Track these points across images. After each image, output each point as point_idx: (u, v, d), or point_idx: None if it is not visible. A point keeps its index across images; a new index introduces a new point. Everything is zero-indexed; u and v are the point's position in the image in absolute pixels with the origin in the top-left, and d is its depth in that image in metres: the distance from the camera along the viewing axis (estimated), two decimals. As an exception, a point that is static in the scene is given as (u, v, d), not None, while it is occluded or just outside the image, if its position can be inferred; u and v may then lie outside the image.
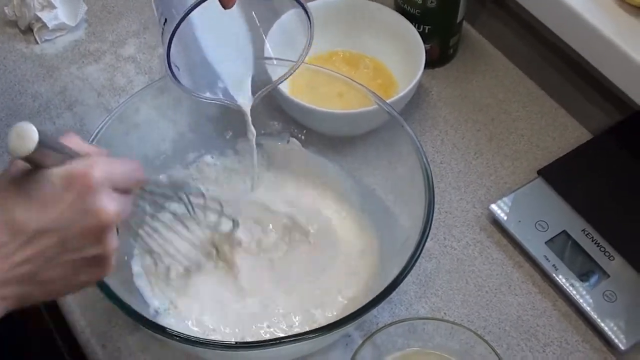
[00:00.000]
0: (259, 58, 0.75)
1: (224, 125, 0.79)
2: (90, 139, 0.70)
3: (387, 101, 0.75)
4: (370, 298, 0.62)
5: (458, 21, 0.90)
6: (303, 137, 0.79)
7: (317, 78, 0.79)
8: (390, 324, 0.63)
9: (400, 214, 0.73)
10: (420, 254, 0.64)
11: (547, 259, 0.75)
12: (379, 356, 0.63)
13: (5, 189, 0.50)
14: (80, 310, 0.72)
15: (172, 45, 0.59)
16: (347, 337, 0.71)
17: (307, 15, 0.61)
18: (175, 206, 0.70)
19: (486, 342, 0.62)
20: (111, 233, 0.52)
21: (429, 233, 0.66)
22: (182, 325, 0.68)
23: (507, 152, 0.86)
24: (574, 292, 0.73)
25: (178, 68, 0.63)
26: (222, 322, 0.69)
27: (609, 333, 0.71)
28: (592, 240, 0.76)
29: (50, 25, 0.92)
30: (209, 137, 0.79)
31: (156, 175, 0.75)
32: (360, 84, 0.76)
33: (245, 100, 0.70)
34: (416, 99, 0.88)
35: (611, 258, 0.75)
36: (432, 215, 0.67)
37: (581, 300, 0.73)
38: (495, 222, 0.79)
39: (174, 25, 0.58)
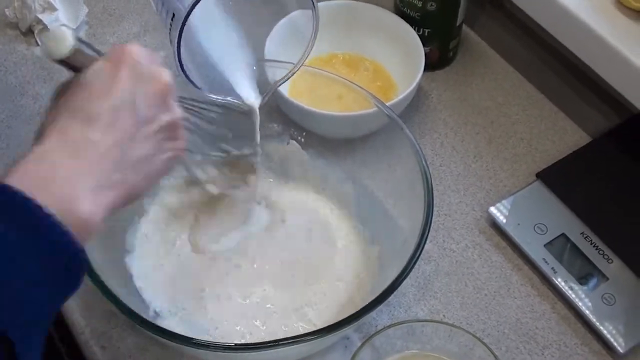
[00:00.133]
0: (261, 60, 0.75)
1: (224, 127, 0.79)
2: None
3: (387, 104, 0.76)
4: (369, 300, 0.62)
5: (458, 24, 0.90)
6: (302, 139, 0.80)
7: (316, 80, 0.80)
8: (389, 326, 0.63)
9: (400, 217, 0.73)
10: (419, 256, 0.64)
11: (546, 262, 0.75)
12: (377, 358, 0.63)
13: (65, 101, 0.51)
14: (79, 311, 0.72)
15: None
16: (346, 340, 0.71)
17: (314, 6, 0.61)
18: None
19: (485, 344, 0.62)
20: (173, 97, 0.54)
21: (428, 235, 0.66)
22: (182, 326, 0.68)
23: (507, 155, 0.86)
24: (573, 295, 0.73)
25: (189, 68, 0.64)
26: (222, 318, 0.69)
27: (608, 336, 0.71)
28: (591, 243, 0.76)
29: (51, 27, 0.93)
30: (208, 138, 0.79)
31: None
32: (359, 87, 0.76)
33: (254, 99, 0.70)
34: (416, 102, 0.88)
35: (610, 261, 0.75)
36: (431, 218, 0.67)
37: (580, 303, 0.73)
38: (494, 224, 0.79)
39: (183, 17, 0.58)
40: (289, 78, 0.71)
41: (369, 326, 0.72)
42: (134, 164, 0.52)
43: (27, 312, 0.44)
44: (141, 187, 0.54)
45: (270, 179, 0.79)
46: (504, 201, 0.80)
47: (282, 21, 0.82)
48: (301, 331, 0.68)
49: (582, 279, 0.74)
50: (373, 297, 0.63)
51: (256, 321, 0.69)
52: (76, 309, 0.73)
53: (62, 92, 0.52)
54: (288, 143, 0.80)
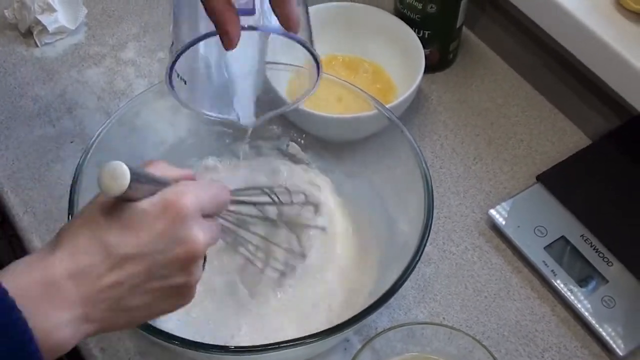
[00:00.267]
0: (267, 62, 0.74)
1: (224, 129, 0.79)
2: (90, 143, 0.70)
3: (387, 106, 0.76)
4: (369, 303, 0.62)
5: (458, 26, 0.90)
6: (302, 142, 0.80)
7: (316, 82, 0.80)
8: (389, 329, 0.63)
9: (400, 219, 0.73)
10: (419, 258, 0.64)
11: (545, 265, 0.75)
12: (377, 361, 0.63)
13: (97, 217, 0.49)
14: (79, 314, 0.72)
15: (182, 57, 0.58)
16: (346, 342, 0.71)
17: (317, 63, 0.61)
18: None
19: (485, 347, 0.62)
20: (199, 263, 0.52)
21: (428, 238, 0.66)
22: (182, 329, 0.68)
23: (506, 157, 0.86)
24: (573, 297, 0.73)
25: (184, 81, 0.63)
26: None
27: (608, 339, 0.71)
28: (591, 246, 0.76)
29: (50, 28, 0.93)
30: (208, 140, 0.79)
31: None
32: (359, 89, 0.76)
33: (249, 120, 0.69)
34: (415, 104, 0.88)
35: (610, 264, 0.75)
36: (432, 220, 0.67)
37: (580, 306, 0.73)
38: (494, 227, 0.79)
39: (175, 55, 0.58)
40: (288, 109, 0.71)
41: (369, 329, 0.72)
42: (127, 309, 0.50)
43: None
44: (125, 326, 0.53)
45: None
46: (503, 203, 0.80)
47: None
48: (302, 333, 0.68)
49: (582, 282, 0.74)
50: (373, 300, 0.63)
51: (255, 324, 0.69)
52: (75, 311, 0.72)
53: (103, 202, 0.50)
54: (288, 145, 0.80)
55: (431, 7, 0.86)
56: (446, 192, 0.83)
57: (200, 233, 0.51)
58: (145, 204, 0.49)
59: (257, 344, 0.61)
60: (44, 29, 0.93)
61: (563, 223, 0.78)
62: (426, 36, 0.88)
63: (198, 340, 0.60)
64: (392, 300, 0.63)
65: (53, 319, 0.47)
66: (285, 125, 0.80)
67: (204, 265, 0.54)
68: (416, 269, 0.65)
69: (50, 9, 0.92)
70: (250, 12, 0.57)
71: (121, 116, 0.73)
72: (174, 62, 0.58)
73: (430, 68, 0.89)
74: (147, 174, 0.51)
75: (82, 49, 0.94)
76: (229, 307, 0.70)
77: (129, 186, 0.46)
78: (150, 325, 0.61)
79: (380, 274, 0.71)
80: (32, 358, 0.45)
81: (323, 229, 0.74)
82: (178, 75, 0.62)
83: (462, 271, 0.77)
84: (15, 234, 0.81)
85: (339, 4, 0.89)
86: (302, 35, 0.58)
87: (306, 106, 0.77)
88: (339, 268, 0.73)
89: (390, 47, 0.88)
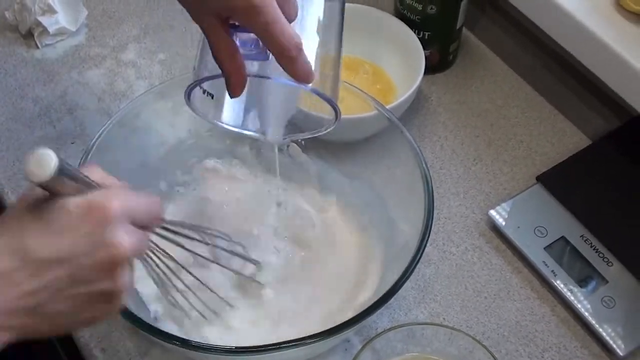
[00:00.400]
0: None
1: (223, 131, 0.79)
2: (91, 144, 0.70)
3: (387, 107, 0.76)
4: (370, 303, 0.62)
5: (458, 27, 0.90)
6: (303, 142, 0.80)
7: (316, 83, 0.80)
8: (390, 329, 0.63)
9: (400, 219, 0.73)
10: (419, 259, 0.65)
11: (545, 265, 0.75)
12: (378, 361, 0.63)
13: (20, 215, 0.48)
14: (79, 315, 0.72)
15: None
16: (346, 342, 0.71)
17: (335, 110, 0.60)
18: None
19: (485, 347, 0.62)
20: (124, 269, 0.50)
21: (428, 238, 0.66)
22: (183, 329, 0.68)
23: (506, 158, 0.86)
24: (573, 297, 0.73)
25: (212, 96, 0.62)
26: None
27: (607, 339, 0.71)
28: (591, 246, 0.76)
29: (50, 29, 0.93)
30: (208, 142, 0.79)
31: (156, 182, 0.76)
32: (359, 89, 0.76)
33: (275, 139, 0.68)
34: (416, 105, 0.88)
35: (610, 264, 0.75)
36: (432, 221, 0.67)
37: (579, 306, 0.73)
38: (494, 227, 0.79)
39: (193, 84, 0.58)
40: (306, 137, 0.69)
41: (369, 329, 0.72)
42: (50, 316, 0.49)
43: None
44: (50, 333, 0.51)
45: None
46: (503, 204, 0.80)
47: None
48: (301, 334, 0.68)
49: (582, 282, 0.74)
50: (373, 300, 0.63)
51: (255, 324, 0.69)
52: (76, 312, 0.73)
53: (30, 199, 0.49)
54: (288, 146, 0.80)
55: (431, 8, 0.86)
56: (446, 192, 0.83)
57: (125, 237, 0.49)
58: (70, 204, 0.48)
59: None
60: (45, 30, 0.93)
61: (563, 223, 0.78)
62: (426, 37, 0.88)
63: (198, 341, 0.61)
64: (392, 300, 0.63)
65: None
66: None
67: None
68: (416, 270, 0.65)
69: (51, 11, 0.92)
70: (263, 57, 0.55)
71: (121, 117, 0.73)
72: (192, 87, 0.58)
73: (430, 69, 0.89)
74: (77, 172, 0.49)
75: (83, 51, 0.94)
76: (228, 311, 0.70)
77: (54, 178, 0.45)
78: (151, 326, 0.61)
79: (380, 274, 0.71)
80: None
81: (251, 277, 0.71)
82: (204, 91, 0.61)
83: (462, 272, 0.77)
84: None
85: (339, 5, 0.89)
86: (330, 74, 0.57)
87: (306, 107, 0.77)
88: (339, 268, 0.73)
89: (390, 48, 0.88)
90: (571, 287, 0.74)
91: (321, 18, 0.58)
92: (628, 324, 0.72)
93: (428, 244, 0.66)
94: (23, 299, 0.47)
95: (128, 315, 0.61)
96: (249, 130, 0.67)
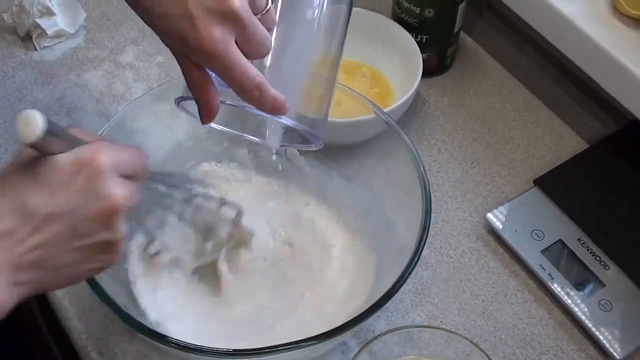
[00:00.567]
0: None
1: (222, 133, 0.79)
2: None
3: (385, 110, 0.76)
4: (367, 306, 0.63)
5: (455, 31, 0.90)
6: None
7: (314, 86, 0.80)
8: (387, 332, 0.63)
9: (397, 223, 0.73)
10: (417, 262, 0.65)
11: (542, 268, 0.75)
12: (375, 364, 0.63)
13: (15, 176, 0.50)
14: (77, 317, 0.72)
15: None
16: (343, 345, 0.71)
17: (313, 140, 0.61)
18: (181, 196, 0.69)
19: (482, 350, 0.62)
20: (120, 218, 0.52)
21: (425, 241, 0.66)
22: (181, 331, 0.68)
23: (504, 161, 0.86)
24: (570, 301, 0.74)
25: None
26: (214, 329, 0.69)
27: (604, 342, 0.71)
28: (588, 250, 0.76)
29: (49, 32, 0.93)
30: (206, 144, 0.79)
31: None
32: (357, 93, 0.76)
33: (273, 143, 0.69)
34: (413, 108, 0.88)
35: (606, 267, 0.75)
36: (429, 224, 0.67)
37: (576, 309, 0.73)
38: (492, 231, 0.79)
39: (182, 97, 0.59)
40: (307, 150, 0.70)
41: (366, 332, 0.72)
42: (55, 268, 0.51)
43: None
44: (59, 285, 0.54)
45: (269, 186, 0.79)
46: (501, 207, 0.80)
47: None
48: (298, 337, 0.68)
49: (579, 285, 0.74)
50: (370, 303, 0.63)
51: (253, 327, 0.69)
52: (74, 314, 0.73)
53: (21, 161, 0.51)
54: (286, 150, 0.80)
55: (429, 12, 0.86)
56: (444, 196, 0.83)
57: (118, 188, 0.51)
58: (60, 161, 0.50)
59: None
60: (43, 32, 0.93)
61: (560, 227, 0.78)
62: (424, 41, 0.89)
63: (196, 344, 0.61)
64: (389, 303, 0.63)
65: None
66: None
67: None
68: (414, 273, 0.65)
69: (49, 13, 0.92)
70: None
71: (120, 119, 0.73)
72: (178, 101, 0.60)
73: (427, 72, 0.89)
74: (64, 129, 0.51)
75: (81, 53, 0.95)
76: (227, 314, 0.70)
77: (44, 137, 0.47)
78: (148, 328, 0.61)
79: (377, 277, 0.71)
80: None
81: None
82: None
83: (459, 275, 0.77)
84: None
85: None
86: (324, 97, 0.59)
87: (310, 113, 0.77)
88: (336, 271, 0.73)
89: (388, 52, 0.88)
90: (568, 290, 0.74)
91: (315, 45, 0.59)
92: (625, 327, 0.72)
93: (425, 247, 0.66)
94: (29, 254, 0.49)
95: (127, 318, 0.61)
96: (246, 133, 0.67)
